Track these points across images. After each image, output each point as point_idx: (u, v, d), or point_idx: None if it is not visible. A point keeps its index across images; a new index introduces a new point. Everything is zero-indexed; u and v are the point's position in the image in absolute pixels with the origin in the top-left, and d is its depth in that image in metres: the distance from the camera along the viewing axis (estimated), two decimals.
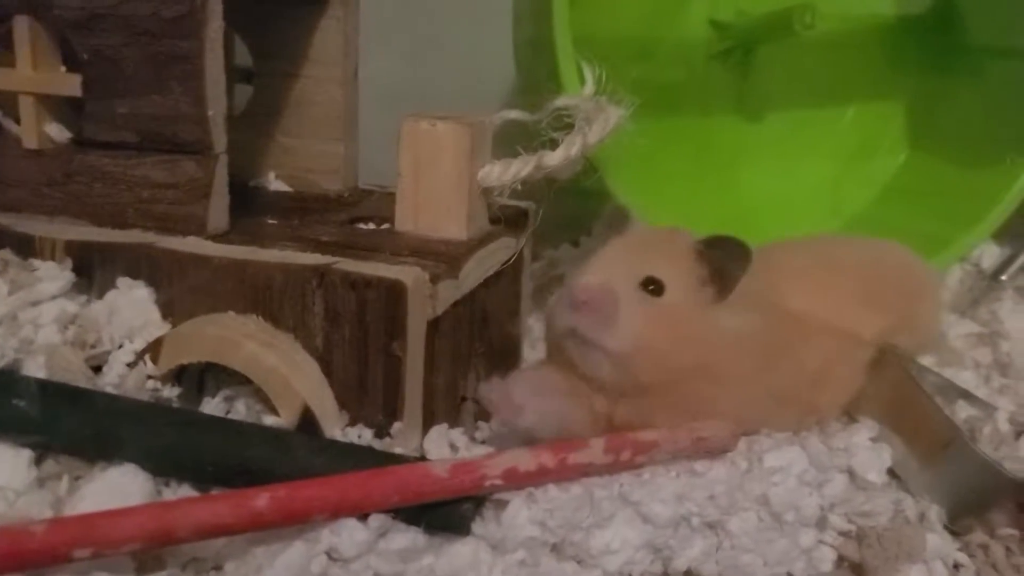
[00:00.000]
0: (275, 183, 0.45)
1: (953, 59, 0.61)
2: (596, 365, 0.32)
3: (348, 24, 0.43)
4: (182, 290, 0.33)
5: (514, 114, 0.41)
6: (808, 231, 0.61)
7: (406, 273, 0.32)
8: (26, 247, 0.35)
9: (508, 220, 0.40)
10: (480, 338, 0.40)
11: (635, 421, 0.32)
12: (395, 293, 0.31)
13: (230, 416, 0.33)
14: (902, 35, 0.62)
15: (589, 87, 0.42)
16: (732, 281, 0.33)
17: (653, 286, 0.32)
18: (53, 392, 0.30)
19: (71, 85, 0.35)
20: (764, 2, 0.59)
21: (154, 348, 0.32)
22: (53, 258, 0.34)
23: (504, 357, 0.43)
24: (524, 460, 0.29)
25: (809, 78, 0.61)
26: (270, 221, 0.39)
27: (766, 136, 0.62)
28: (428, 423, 0.34)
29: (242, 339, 0.31)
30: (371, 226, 0.40)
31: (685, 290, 0.33)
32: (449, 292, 0.34)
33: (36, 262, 0.34)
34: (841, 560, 0.33)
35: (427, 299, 0.32)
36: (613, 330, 0.31)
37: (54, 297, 0.33)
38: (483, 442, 0.38)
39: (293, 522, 0.27)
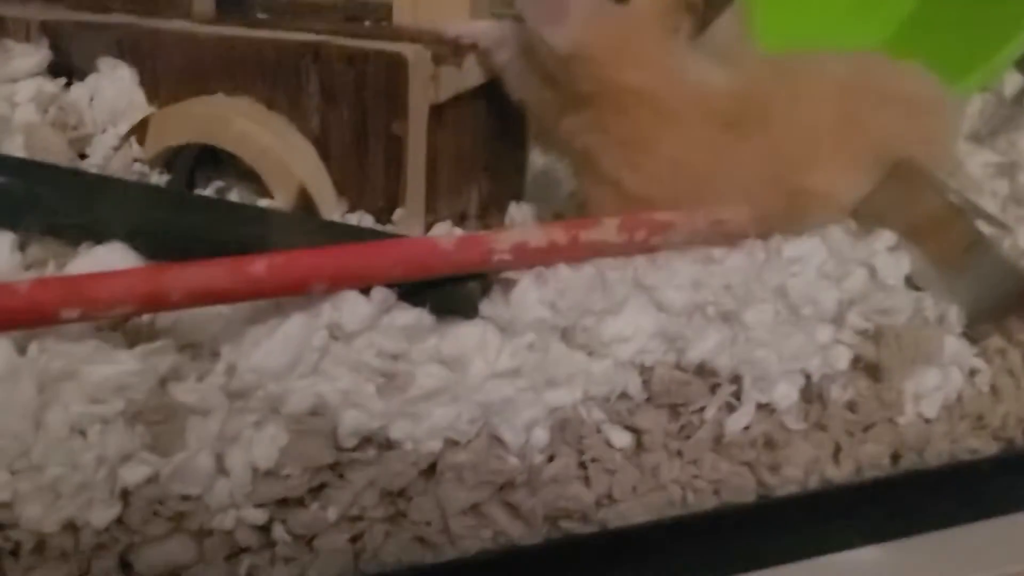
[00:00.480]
0: None
1: None
2: (543, 60, 0.29)
3: None
4: (168, 71, 0.31)
5: None
6: None
7: (407, 48, 0.30)
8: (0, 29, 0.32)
9: None
10: (484, 148, 0.38)
11: (575, 140, 0.29)
12: (395, 67, 0.29)
13: None
14: None
15: None
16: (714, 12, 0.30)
17: None
18: (35, 170, 0.28)
19: None
20: None
21: (140, 129, 0.30)
22: (28, 40, 0.32)
23: (507, 184, 0.41)
24: (534, 236, 0.27)
25: None
26: (260, 16, 0.36)
27: None
28: (432, 216, 0.32)
29: (233, 116, 0.29)
30: (369, 23, 0.37)
31: (658, 4, 0.29)
32: (452, 79, 0.32)
33: (9, 43, 0.32)
34: (857, 360, 0.32)
35: (429, 80, 0.30)
36: (557, 25, 0.28)
37: (32, 75, 0.31)
38: None
39: (291, 291, 0.26)
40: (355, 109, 0.30)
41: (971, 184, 0.47)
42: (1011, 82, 0.53)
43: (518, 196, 0.42)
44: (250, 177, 0.31)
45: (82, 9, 0.34)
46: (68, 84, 0.32)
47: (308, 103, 0.30)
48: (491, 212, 0.39)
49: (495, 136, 0.38)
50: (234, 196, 0.32)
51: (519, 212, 0.41)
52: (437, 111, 0.31)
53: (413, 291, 0.27)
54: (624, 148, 0.29)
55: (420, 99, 0.30)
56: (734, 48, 0.31)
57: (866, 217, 0.40)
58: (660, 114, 0.29)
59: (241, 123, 0.29)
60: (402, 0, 0.35)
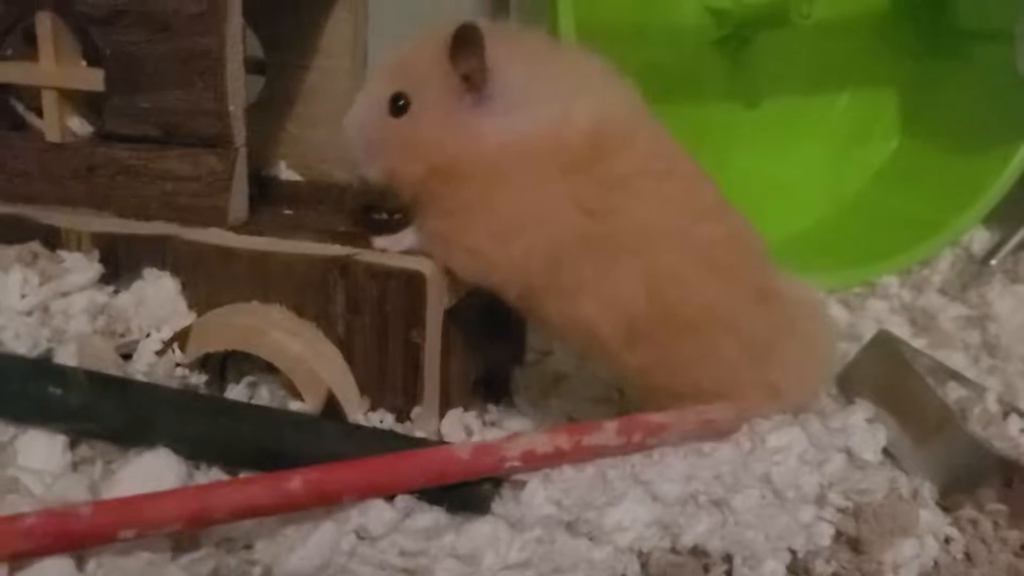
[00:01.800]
0: (286, 172, 0.46)
1: (943, 42, 0.62)
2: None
3: (358, 15, 0.44)
4: (207, 280, 0.35)
5: None
6: (803, 215, 0.63)
7: (425, 264, 0.33)
8: (53, 238, 0.36)
9: None
10: (491, 323, 0.42)
11: (426, 226, 0.33)
12: (415, 283, 0.33)
13: (253, 401, 0.34)
14: (894, 18, 0.63)
15: None
16: (478, 75, 0.32)
17: (401, 102, 0.33)
18: (88, 380, 0.31)
19: (94, 80, 0.36)
20: None
21: (182, 337, 0.34)
22: (80, 249, 0.35)
23: (511, 351, 0.44)
24: (541, 443, 0.30)
25: (803, 64, 0.63)
26: (286, 211, 0.40)
27: (761, 121, 0.63)
28: (444, 407, 0.36)
29: (268, 328, 0.33)
30: (384, 216, 0.41)
31: (436, 98, 0.32)
32: (463, 282, 0.36)
33: (64, 253, 0.35)
34: (839, 535, 0.35)
35: (444, 289, 0.34)
36: (368, 164, 0.34)
37: (83, 288, 0.34)
38: (492, 423, 0.40)
39: (325, 503, 0.28)
40: (378, 318, 0.33)
41: (944, 337, 0.51)
42: (979, 238, 0.57)
43: (520, 360, 0.45)
44: (278, 369, 0.34)
45: (126, 215, 0.37)
46: (116, 290, 0.35)
47: (335, 312, 0.33)
48: (497, 381, 0.43)
49: (496, 313, 0.42)
50: (264, 390, 0.35)
51: (524, 375, 0.44)
52: (450, 310, 0.35)
53: (432, 492, 0.30)
54: (458, 219, 0.32)
55: (436, 310, 0.33)
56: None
57: (846, 385, 0.43)
58: (464, 178, 0.32)
59: (275, 334, 0.32)
60: None
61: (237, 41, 0.35)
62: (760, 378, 0.35)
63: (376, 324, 0.33)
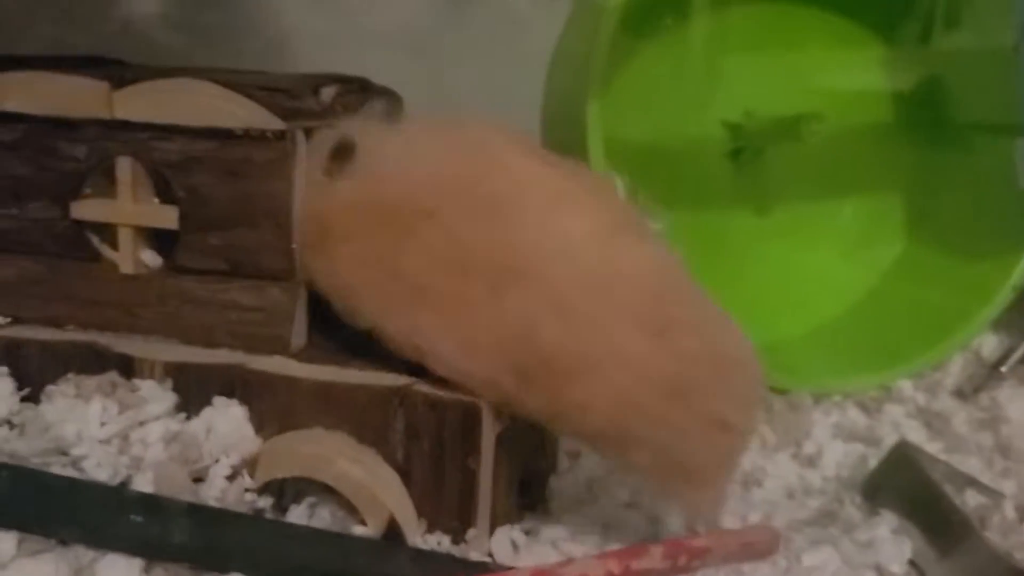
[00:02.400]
0: None
1: (944, 136, 0.65)
2: None
3: None
4: (273, 408, 0.37)
5: None
6: (813, 316, 0.65)
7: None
8: (127, 366, 0.38)
9: None
10: (531, 438, 0.44)
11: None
12: (472, 414, 0.35)
13: (313, 522, 0.36)
14: (897, 122, 0.67)
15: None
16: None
17: None
18: (164, 507, 0.33)
19: (168, 218, 0.39)
20: (770, 101, 0.64)
21: (251, 463, 0.36)
22: (152, 377, 0.38)
23: (547, 461, 0.47)
24: (594, 567, 0.32)
25: (812, 172, 0.66)
26: (343, 334, 0.42)
27: (773, 228, 0.66)
28: (493, 525, 0.37)
29: (333, 456, 0.35)
30: None
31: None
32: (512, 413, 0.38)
33: (138, 382, 0.37)
34: None
35: (496, 420, 0.36)
36: None
37: (158, 417, 0.36)
38: (528, 532, 0.42)
39: None
40: (435, 445, 0.35)
41: (958, 440, 0.53)
42: (987, 343, 0.59)
43: (554, 468, 0.47)
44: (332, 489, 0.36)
45: (193, 342, 0.39)
46: (187, 417, 0.37)
47: (394, 439, 0.36)
48: (535, 489, 0.45)
49: (534, 426, 0.44)
50: (325, 511, 0.37)
51: (557, 482, 0.46)
52: (500, 435, 0.37)
53: None
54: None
55: (490, 437, 0.36)
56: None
57: (870, 495, 0.45)
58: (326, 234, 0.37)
59: (340, 462, 0.35)
60: None
61: (301, 184, 0.38)
62: (696, 412, 0.34)
63: (433, 451, 0.35)
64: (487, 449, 0.36)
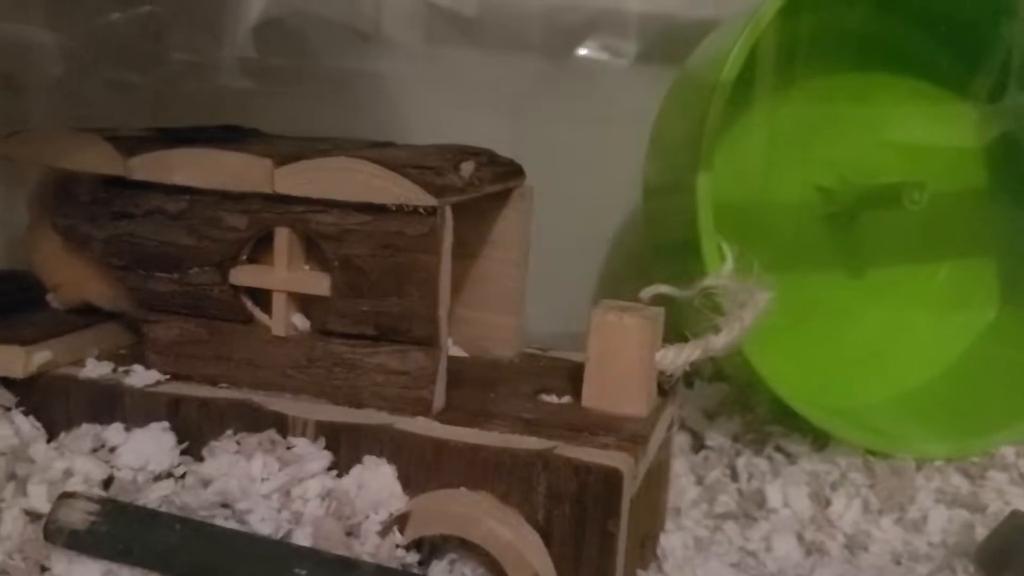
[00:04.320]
0: (453, 348, 0.51)
1: None
2: None
3: (526, 214, 0.50)
4: (420, 467, 0.39)
5: (664, 289, 0.47)
6: (907, 379, 0.66)
7: (621, 460, 0.37)
8: (280, 424, 0.41)
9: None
10: (649, 498, 0.45)
11: None
12: (613, 479, 0.37)
13: None
14: (985, 175, 0.68)
15: (729, 265, 0.48)
16: None
17: None
18: (327, 561, 0.35)
19: (321, 286, 0.42)
20: (862, 168, 0.66)
21: (401, 520, 0.38)
22: (305, 435, 0.40)
23: (660, 510, 0.48)
24: None
25: (907, 236, 0.67)
26: (469, 392, 0.45)
27: (867, 291, 0.67)
28: None
29: (481, 516, 0.37)
30: (554, 398, 0.45)
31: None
32: (643, 468, 0.40)
33: (292, 439, 0.40)
34: None
35: (634, 480, 0.38)
36: None
37: (315, 474, 0.38)
38: None
39: None
40: (576, 508, 0.37)
41: None
42: None
43: (663, 525, 0.49)
44: (469, 546, 0.38)
45: (340, 402, 0.42)
46: (339, 475, 0.39)
47: (536, 500, 0.38)
48: (647, 548, 0.46)
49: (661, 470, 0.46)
50: (467, 568, 0.39)
51: (667, 541, 0.48)
52: (634, 495, 0.39)
53: None
54: None
55: (627, 499, 0.37)
56: None
57: (984, 563, 0.46)
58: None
59: (488, 522, 0.37)
60: (589, 389, 0.44)
61: (449, 257, 0.40)
62: None
63: (575, 513, 0.37)
64: (624, 510, 0.37)
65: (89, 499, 0.36)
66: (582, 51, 0.74)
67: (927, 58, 0.67)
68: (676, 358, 0.44)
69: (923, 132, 0.69)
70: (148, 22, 0.69)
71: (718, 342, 0.45)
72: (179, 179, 0.42)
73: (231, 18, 0.70)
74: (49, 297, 0.49)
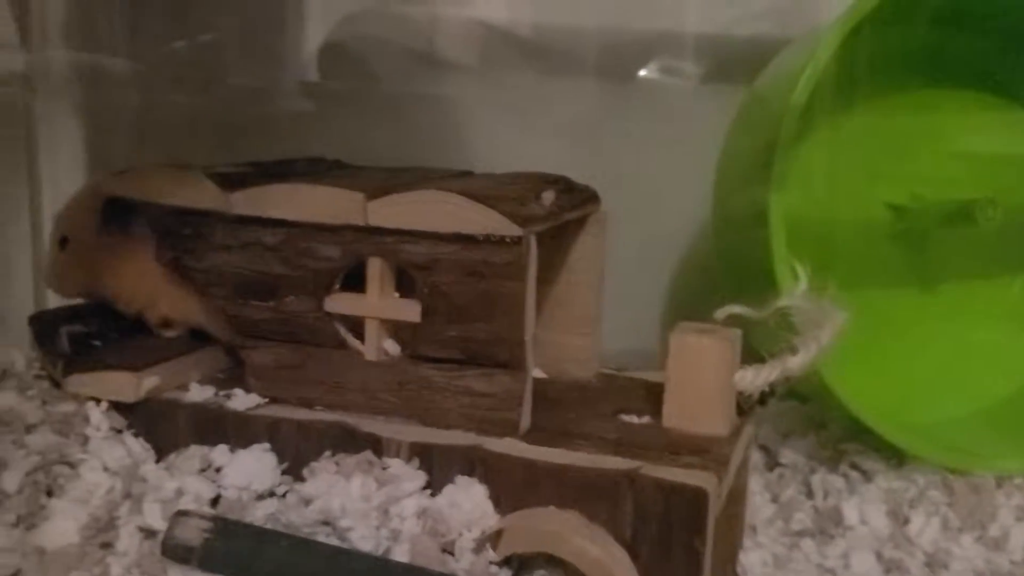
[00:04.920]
0: (533, 370, 0.53)
1: None
2: None
3: (601, 238, 0.51)
4: (509, 486, 0.41)
5: (738, 309, 0.48)
6: (983, 395, 0.66)
7: (705, 479, 0.38)
8: (375, 445, 0.43)
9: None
10: (734, 510, 0.46)
11: None
12: (699, 497, 0.38)
13: None
14: None
15: (803, 285, 0.48)
16: None
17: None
18: None
19: (412, 312, 0.43)
20: (932, 183, 0.66)
21: (494, 537, 0.39)
22: (399, 456, 0.42)
23: (740, 527, 0.49)
24: None
25: (980, 251, 0.67)
26: (550, 412, 0.46)
27: (940, 307, 0.67)
28: None
29: (571, 534, 0.38)
30: (633, 418, 0.47)
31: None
32: (726, 487, 0.41)
33: (387, 460, 0.42)
34: None
35: (718, 499, 0.39)
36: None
37: (411, 494, 0.40)
38: None
39: None
40: (663, 526, 0.38)
41: None
42: None
43: (741, 543, 0.50)
44: (555, 562, 0.39)
45: (429, 424, 0.44)
46: (432, 494, 0.41)
47: (623, 519, 0.39)
48: (729, 563, 0.47)
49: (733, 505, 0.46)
50: None
51: (746, 558, 0.49)
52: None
53: None
54: None
55: (712, 517, 0.38)
56: None
57: None
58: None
59: (578, 540, 0.38)
60: (670, 409, 0.45)
61: (533, 283, 0.42)
62: None
63: (661, 532, 0.38)
64: (710, 529, 0.38)
65: (202, 517, 0.39)
66: (643, 72, 0.75)
67: (993, 69, 0.67)
68: (755, 379, 0.45)
69: (992, 144, 0.69)
70: (208, 49, 0.72)
71: (796, 363, 0.46)
72: (276, 213, 0.45)
73: (292, 43, 0.73)
74: (158, 327, 0.52)
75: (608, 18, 0.73)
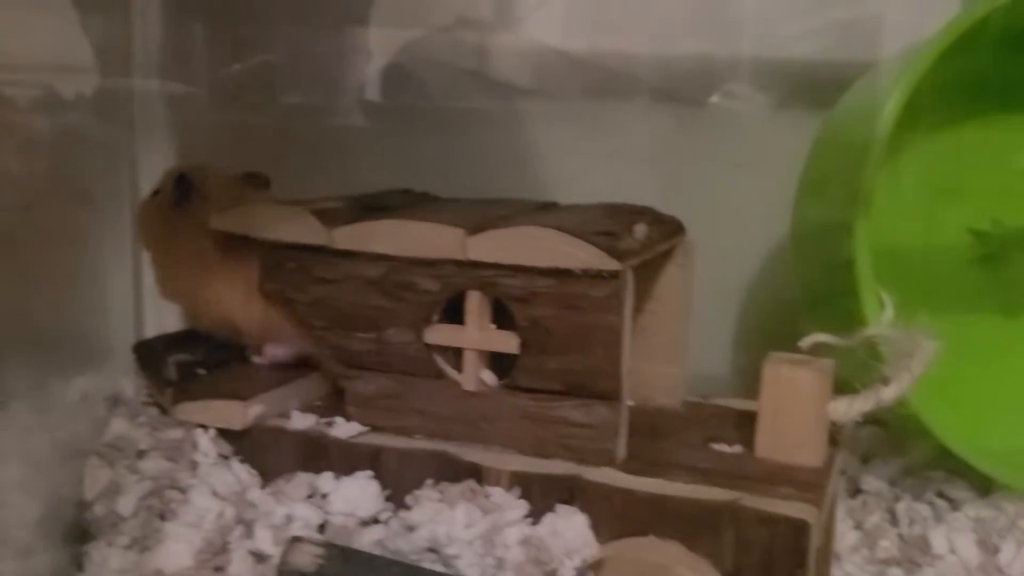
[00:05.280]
0: None
1: None
2: None
3: (688, 268, 0.52)
4: (609, 516, 0.42)
5: (824, 338, 0.48)
6: None
7: (807, 511, 0.39)
8: (476, 474, 0.44)
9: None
10: (825, 539, 0.47)
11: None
12: (800, 530, 0.38)
13: None
14: None
15: (889, 314, 0.49)
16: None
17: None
18: None
19: (510, 344, 0.45)
20: (1013, 207, 0.66)
21: (596, 566, 0.40)
22: (499, 484, 0.43)
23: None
24: None
25: None
26: (642, 441, 0.47)
27: (1019, 331, 0.67)
28: None
29: (674, 564, 0.39)
30: (724, 447, 0.47)
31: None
32: (825, 518, 0.41)
33: (488, 488, 0.43)
34: None
35: (819, 530, 0.39)
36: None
37: (513, 522, 0.41)
38: None
39: None
40: (764, 557, 0.39)
41: None
42: None
43: (829, 573, 0.50)
44: None
45: (526, 453, 0.45)
46: (533, 522, 0.42)
47: (724, 550, 0.40)
48: None
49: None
50: None
51: None
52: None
53: None
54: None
55: (813, 549, 0.39)
56: None
57: None
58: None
59: (681, 570, 0.39)
60: (763, 439, 0.45)
61: (630, 316, 0.43)
62: None
63: (763, 563, 0.39)
64: (812, 562, 0.39)
65: (315, 543, 0.40)
66: (714, 98, 0.76)
67: None
68: (848, 409, 0.45)
69: None
70: (262, 70, 0.74)
71: (889, 393, 0.46)
72: (378, 248, 0.46)
73: (347, 63, 0.75)
74: (263, 353, 0.54)
75: (673, 43, 0.74)
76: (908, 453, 0.64)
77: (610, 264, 0.42)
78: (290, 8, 0.74)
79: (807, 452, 0.45)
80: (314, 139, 0.73)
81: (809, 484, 0.42)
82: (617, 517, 0.41)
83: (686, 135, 0.75)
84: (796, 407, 0.45)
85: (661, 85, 0.75)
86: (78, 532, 0.47)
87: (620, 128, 0.75)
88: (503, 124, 0.75)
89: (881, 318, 0.49)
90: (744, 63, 0.74)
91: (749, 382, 0.74)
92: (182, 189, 0.53)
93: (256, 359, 0.54)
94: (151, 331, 0.64)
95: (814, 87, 0.70)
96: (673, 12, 0.73)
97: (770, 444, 0.45)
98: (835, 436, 0.47)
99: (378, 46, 0.75)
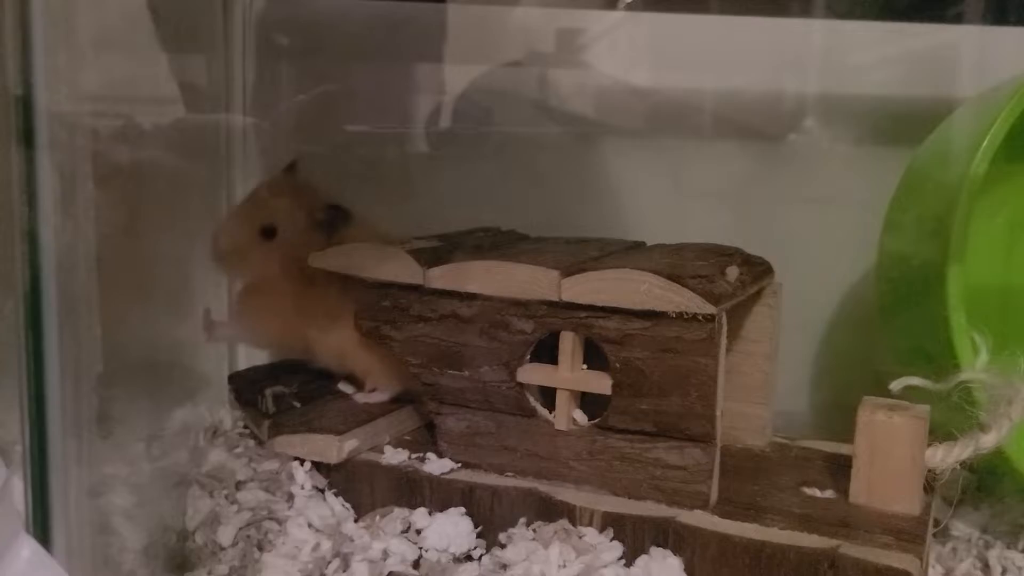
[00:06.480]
0: None
1: None
2: None
3: (775, 309, 0.52)
4: (704, 560, 0.42)
5: (916, 381, 0.48)
6: None
7: (908, 562, 0.39)
8: (568, 514, 0.44)
9: None
10: None
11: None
12: None
13: None
14: None
15: (984, 358, 0.48)
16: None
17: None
18: None
19: (603, 385, 0.45)
20: None
21: None
22: (591, 524, 0.44)
23: None
24: None
25: None
26: (732, 483, 0.47)
27: None
28: None
29: None
30: (816, 491, 0.47)
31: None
32: (925, 567, 0.41)
33: (582, 529, 0.43)
34: None
35: None
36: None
37: (607, 564, 0.41)
38: None
39: None
40: None
41: None
42: None
43: None
44: None
45: (619, 493, 0.45)
46: (626, 564, 0.42)
47: None
48: None
49: None
50: None
51: None
52: None
53: None
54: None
55: None
56: None
57: None
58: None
59: None
60: (858, 485, 0.45)
61: (724, 359, 0.43)
62: None
63: None
64: None
65: None
66: (792, 136, 0.76)
67: None
68: (946, 456, 0.45)
69: None
70: (324, 100, 0.76)
71: (988, 440, 0.45)
72: (473, 288, 0.47)
73: (421, 97, 0.77)
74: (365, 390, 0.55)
75: (741, 77, 0.74)
76: (999, 498, 0.62)
77: (706, 308, 0.43)
78: (366, 46, 0.76)
79: (904, 500, 0.44)
80: (387, 169, 0.75)
81: (908, 533, 0.42)
82: (712, 561, 0.41)
83: (761, 171, 0.75)
84: (893, 454, 0.44)
85: (731, 120, 0.75)
86: (179, 560, 0.48)
87: (686, 162, 0.75)
88: (571, 157, 0.76)
89: (976, 362, 0.49)
90: (815, 98, 0.74)
91: (826, 421, 0.74)
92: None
93: (357, 396, 0.55)
94: (243, 361, 0.65)
95: (890, 122, 0.69)
96: (739, 45, 0.73)
97: (865, 490, 0.45)
98: (930, 483, 0.46)
99: (451, 81, 0.77)
